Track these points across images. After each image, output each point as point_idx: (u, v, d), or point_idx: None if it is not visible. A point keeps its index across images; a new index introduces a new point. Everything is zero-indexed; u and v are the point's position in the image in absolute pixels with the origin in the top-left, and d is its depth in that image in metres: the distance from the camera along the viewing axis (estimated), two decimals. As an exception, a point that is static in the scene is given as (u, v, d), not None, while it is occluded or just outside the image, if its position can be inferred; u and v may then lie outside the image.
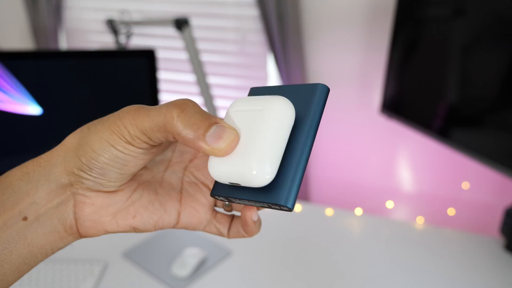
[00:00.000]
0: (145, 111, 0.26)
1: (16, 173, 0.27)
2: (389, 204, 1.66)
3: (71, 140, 0.27)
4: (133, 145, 0.27)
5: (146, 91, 1.02)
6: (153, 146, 0.28)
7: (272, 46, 1.57)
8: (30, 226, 0.26)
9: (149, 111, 0.26)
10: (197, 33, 1.70)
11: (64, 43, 1.92)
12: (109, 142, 0.26)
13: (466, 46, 1.07)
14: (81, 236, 0.29)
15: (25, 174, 0.27)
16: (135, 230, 0.30)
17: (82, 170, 0.27)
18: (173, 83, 1.85)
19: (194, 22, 1.70)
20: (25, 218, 0.26)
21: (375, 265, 0.95)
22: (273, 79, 1.71)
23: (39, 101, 0.98)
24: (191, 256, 0.93)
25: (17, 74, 0.95)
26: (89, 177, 0.27)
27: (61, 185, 0.27)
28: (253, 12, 1.62)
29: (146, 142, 0.27)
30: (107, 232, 0.29)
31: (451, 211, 1.58)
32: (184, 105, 0.26)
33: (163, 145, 0.30)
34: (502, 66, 0.98)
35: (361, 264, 0.96)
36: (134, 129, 0.26)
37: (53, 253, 0.28)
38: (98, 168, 0.27)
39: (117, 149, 0.26)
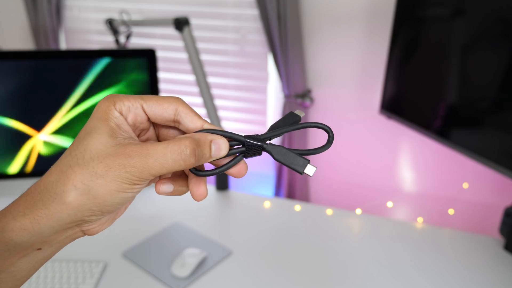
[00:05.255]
0: (155, 162, 0.28)
1: (13, 229, 0.28)
2: (389, 205, 1.66)
3: (70, 198, 0.28)
4: (142, 184, 0.29)
5: (146, 91, 1.02)
6: None
7: (272, 46, 1.57)
8: (45, 251, 0.30)
9: (161, 162, 0.29)
10: (197, 33, 1.70)
11: (64, 43, 1.92)
12: (120, 191, 0.28)
13: (465, 46, 1.07)
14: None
15: (23, 231, 0.28)
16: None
17: (92, 216, 0.29)
18: (173, 83, 1.85)
19: (194, 22, 1.70)
20: (39, 249, 0.30)
21: (375, 264, 0.95)
22: (273, 79, 1.71)
23: (39, 100, 0.98)
24: (191, 256, 0.93)
25: (17, 74, 0.95)
26: (98, 217, 0.30)
27: (67, 228, 0.30)
28: (253, 12, 1.62)
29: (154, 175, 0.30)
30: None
31: (451, 211, 1.58)
32: (193, 149, 0.29)
33: None
34: (501, 66, 0.98)
35: (361, 263, 0.95)
36: (147, 175, 0.29)
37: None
38: (109, 211, 0.30)
39: (128, 192, 0.29)
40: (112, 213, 0.31)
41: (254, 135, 0.33)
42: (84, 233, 0.31)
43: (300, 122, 0.34)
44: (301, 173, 0.32)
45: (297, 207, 1.17)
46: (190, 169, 0.32)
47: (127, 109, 0.31)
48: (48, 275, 0.88)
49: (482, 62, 1.03)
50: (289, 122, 0.34)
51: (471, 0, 1.05)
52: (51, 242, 0.30)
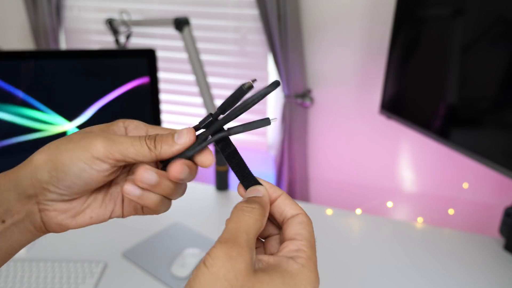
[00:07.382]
0: (125, 149, 0.31)
1: None
2: (389, 205, 1.66)
3: (38, 156, 0.30)
4: (103, 163, 0.30)
5: (146, 91, 1.02)
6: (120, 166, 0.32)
7: (272, 46, 1.57)
8: (8, 227, 0.31)
9: (126, 146, 0.31)
10: (197, 33, 1.70)
11: (64, 43, 1.92)
12: (80, 159, 0.30)
13: (465, 46, 1.07)
14: (49, 232, 0.34)
15: None
16: (92, 223, 0.36)
17: (50, 183, 0.30)
18: (173, 83, 1.85)
19: (194, 22, 1.70)
20: (3, 221, 0.31)
21: (375, 264, 0.95)
22: (273, 79, 1.71)
23: (39, 101, 0.98)
24: (191, 257, 0.93)
25: (17, 74, 0.95)
26: (55, 190, 0.30)
27: (27, 195, 0.31)
28: (253, 12, 1.62)
29: (118, 160, 0.31)
30: (70, 229, 0.34)
31: (451, 211, 1.58)
32: (151, 147, 0.32)
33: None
34: (501, 66, 0.98)
35: (361, 263, 0.95)
36: (114, 155, 0.31)
37: (27, 244, 0.33)
38: (66, 181, 0.30)
39: (87, 165, 0.30)
40: (69, 190, 0.31)
41: (209, 121, 0.33)
42: (42, 220, 0.32)
43: (252, 94, 0.34)
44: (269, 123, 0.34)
45: (297, 207, 1.17)
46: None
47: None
48: (48, 275, 0.88)
49: (482, 62, 1.03)
50: (240, 97, 0.34)
51: (471, 0, 1.05)
52: (13, 214, 0.30)
